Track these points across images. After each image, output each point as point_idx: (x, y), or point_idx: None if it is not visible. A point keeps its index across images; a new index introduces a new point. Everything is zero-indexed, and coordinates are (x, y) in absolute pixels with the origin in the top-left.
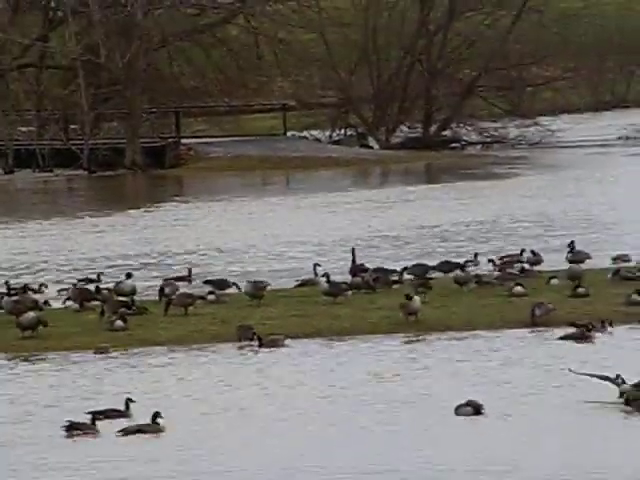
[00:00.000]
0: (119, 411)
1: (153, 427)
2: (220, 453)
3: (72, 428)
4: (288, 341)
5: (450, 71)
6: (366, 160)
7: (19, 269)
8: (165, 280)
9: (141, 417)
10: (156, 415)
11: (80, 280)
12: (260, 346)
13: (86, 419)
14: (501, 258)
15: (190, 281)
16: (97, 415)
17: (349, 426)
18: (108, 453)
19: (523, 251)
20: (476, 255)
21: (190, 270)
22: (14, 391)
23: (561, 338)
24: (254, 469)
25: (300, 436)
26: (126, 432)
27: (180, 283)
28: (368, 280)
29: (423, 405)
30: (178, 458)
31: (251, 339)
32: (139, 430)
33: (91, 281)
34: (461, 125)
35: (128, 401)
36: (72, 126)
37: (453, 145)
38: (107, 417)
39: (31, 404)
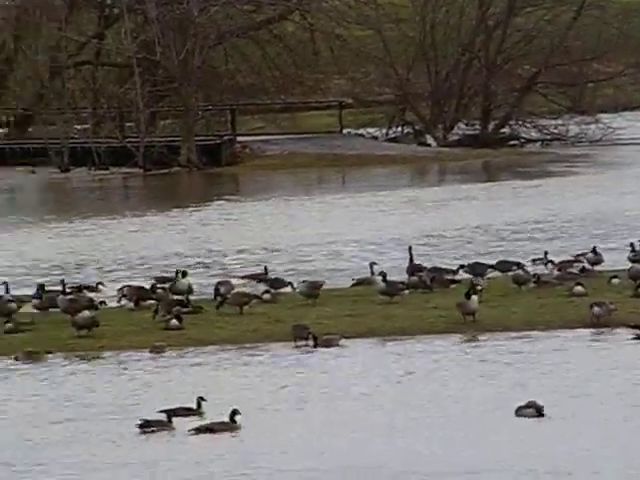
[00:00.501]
0: (191, 409)
1: (229, 425)
2: (290, 451)
3: (146, 425)
4: (343, 341)
5: (509, 67)
6: (423, 158)
7: (75, 267)
8: (244, 277)
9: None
10: (234, 413)
11: (157, 278)
12: (315, 346)
13: (157, 417)
14: (563, 262)
15: (266, 280)
16: (169, 413)
17: (407, 425)
18: (181, 451)
19: (582, 254)
20: (546, 253)
21: (266, 268)
22: (71, 390)
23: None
24: (324, 468)
25: (358, 435)
26: (201, 430)
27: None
28: (425, 279)
29: (481, 406)
30: (250, 456)
31: (306, 338)
32: (211, 429)
33: (165, 280)
34: (520, 122)
35: (200, 399)
36: (128, 124)
37: (512, 143)
38: (178, 415)
39: (92, 403)
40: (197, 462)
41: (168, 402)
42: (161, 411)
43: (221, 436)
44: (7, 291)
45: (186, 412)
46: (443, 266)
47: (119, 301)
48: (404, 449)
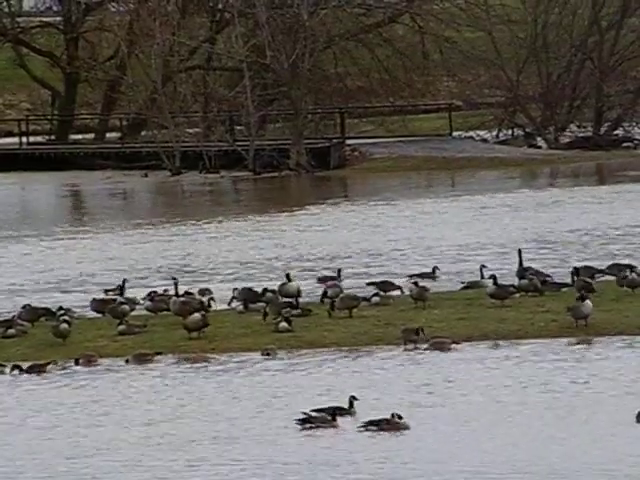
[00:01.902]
0: (343, 409)
1: (398, 424)
2: (458, 450)
3: (307, 421)
4: (454, 344)
5: (623, 68)
6: (534, 160)
7: (188, 271)
8: (411, 277)
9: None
10: (395, 415)
11: (321, 278)
12: (426, 349)
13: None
14: None
15: (338, 282)
16: (332, 411)
17: (524, 429)
18: (345, 449)
19: None
20: None
21: (339, 271)
22: (182, 393)
23: None
24: (495, 470)
25: (480, 438)
26: (368, 427)
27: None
28: (536, 282)
29: (598, 411)
30: (422, 456)
31: (416, 335)
32: (380, 427)
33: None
34: (634, 124)
35: (352, 399)
36: (238, 127)
37: (625, 145)
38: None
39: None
40: (374, 459)
41: (306, 402)
42: (318, 410)
43: (391, 434)
44: (122, 293)
45: (339, 411)
46: (553, 270)
47: (229, 304)
48: (565, 452)
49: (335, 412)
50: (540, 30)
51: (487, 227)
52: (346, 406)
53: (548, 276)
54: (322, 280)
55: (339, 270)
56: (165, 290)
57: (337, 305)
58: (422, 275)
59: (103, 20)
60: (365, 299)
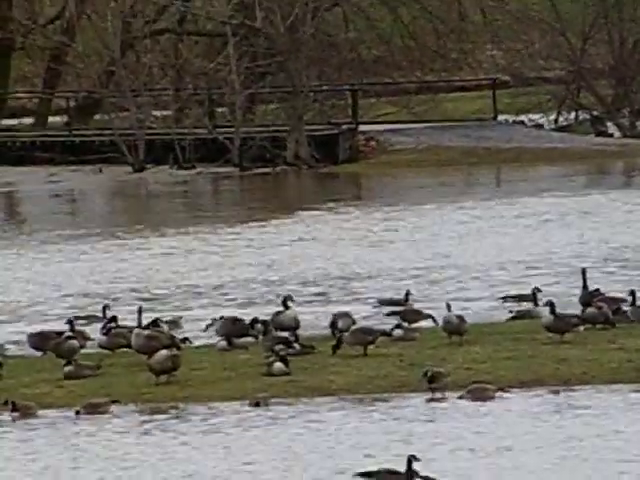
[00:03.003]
0: (398, 473)
1: None
2: None
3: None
4: (499, 392)
5: None
6: (604, 152)
7: (152, 295)
8: (504, 299)
9: None
10: None
11: (382, 301)
12: (461, 397)
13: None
14: None
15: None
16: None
17: None
18: None
19: None
20: None
21: (408, 293)
22: (145, 454)
23: None
24: None
25: None
26: None
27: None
28: (606, 311)
29: None
30: None
31: (432, 389)
32: None
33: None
34: None
35: (411, 459)
36: (219, 109)
37: None
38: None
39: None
40: None
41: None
42: (359, 474)
43: None
44: (72, 327)
45: (394, 476)
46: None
47: (205, 330)
48: None
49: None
50: None
51: (543, 239)
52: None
53: (622, 301)
54: (384, 304)
55: (407, 292)
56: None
57: (347, 340)
58: (520, 298)
59: None
60: (384, 333)
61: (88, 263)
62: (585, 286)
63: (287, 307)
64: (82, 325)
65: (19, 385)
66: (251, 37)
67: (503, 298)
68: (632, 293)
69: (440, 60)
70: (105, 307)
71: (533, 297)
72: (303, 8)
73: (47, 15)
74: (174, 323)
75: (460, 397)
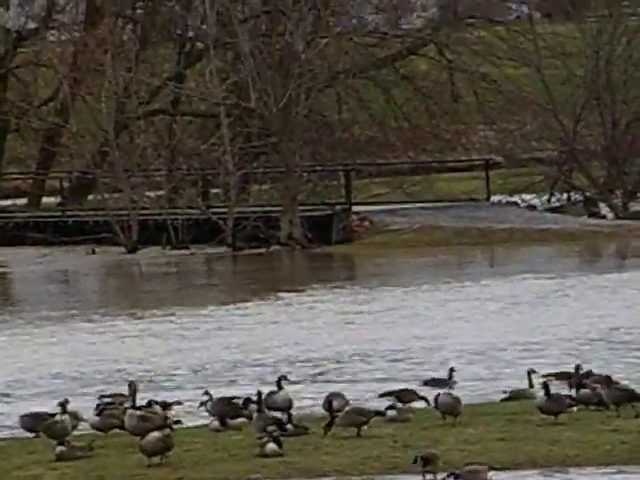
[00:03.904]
0: None
1: None
2: None
3: None
4: (492, 473)
5: None
6: (596, 233)
7: (147, 377)
8: (546, 376)
9: None
10: None
11: (427, 381)
12: (457, 478)
13: None
14: None
15: (451, 385)
16: None
17: None
18: None
19: None
20: None
21: (452, 370)
22: None
23: None
24: None
25: None
26: None
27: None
28: (600, 393)
29: None
30: None
31: (426, 470)
32: None
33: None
34: None
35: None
36: (213, 190)
37: None
38: None
39: None
40: None
41: None
42: None
43: None
44: (64, 408)
45: None
46: (621, 376)
47: (199, 407)
48: None
49: None
50: (603, 66)
51: (537, 320)
52: None
53: (616, 384)
54: (429, 383)
55: (451, 370)
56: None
57: (341, 421)
58: (560, 375)
59: (39, 53)
60: (378, 413)
61: (77, 343)
62: (577, 369)
63: (280, 387)
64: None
65: (11, 467)
66: (245, 118)
67: (544, 376)
68: (576, 367)
69: (433, 141)
70: (131, 384)
71: (576, 372)
72: (297, 89)
73: (41, 96)
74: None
75: (456, 477)
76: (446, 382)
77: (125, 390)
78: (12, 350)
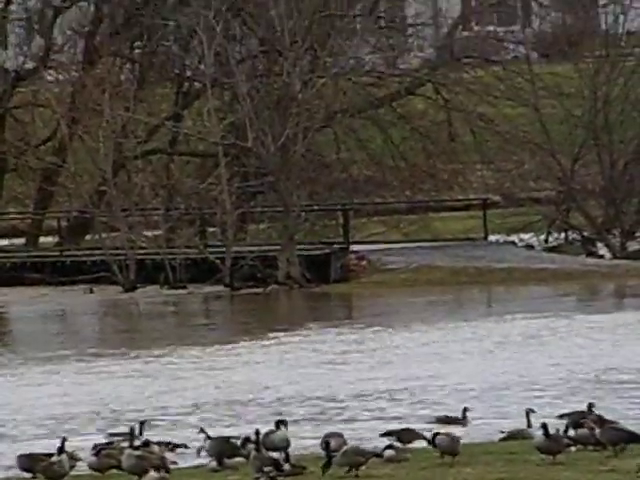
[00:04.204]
0: None
1: None
2: None
3: None
4: None
5: None
6: (594, 273)
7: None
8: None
9: None
10: None
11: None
12: None
13: None
14: None
15: (464, 424)
16: None
17: None
18: None
19: None
20: None
21: (466, 410)
22: None
23: None
24: None
25: None
26: None
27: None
28: (597, 433)
29: None
30: None
31: None
32: None
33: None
34: None
35: None
36: (210, 229)
37: None
38: None
39: None
40: None
41: None
42: None
43: None
44: (62, 449)
45: None
46: (617, 416)
47: (198, 453)
48: None
49: None
50: (601, 106)
51: (534, 360)
52: None
53: (613, 423)
54: (442, 421)
55: (465, 409)
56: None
57: (338, 461)
58: (574, 415)
59: (37, 93)
60: (376, 454)
61: (71, 383)
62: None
63: (278, 427)
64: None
65: None
66: (242, 157)
67: (560, 416)
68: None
69: (431, 180)
70: (143, 423)
71: (589, 411)
72: (294, 128)
73: (39, 136)
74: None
75: None
76: (459, 420)
77: (134, 428)
78: (6, 390)
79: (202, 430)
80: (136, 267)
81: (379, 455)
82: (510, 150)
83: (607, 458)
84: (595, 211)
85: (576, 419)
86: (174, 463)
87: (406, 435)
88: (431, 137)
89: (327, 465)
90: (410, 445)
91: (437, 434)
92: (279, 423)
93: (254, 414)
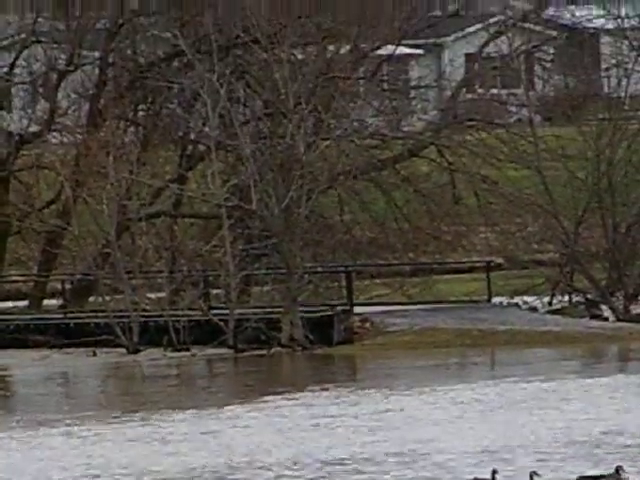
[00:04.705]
0: None
1: None
2: None
3: None
4: None
5: None
6: (598, 336)
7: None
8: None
9: None
10: None
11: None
12: None
13: None
14: None
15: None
16: None
17: None
18: None
19: None
20: None
21: (495, 472)
22: None
23: None
24: None
25: None
26: None
27: None
28: None
29: None
30: None
31: None
32: None
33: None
34: None
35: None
36: (214, 291)
37: None
38: None
39: None
40: None
41: None
42: None
43: None
44: None
45: None
46: None
47: None
48: None
49: None
50: (604, 169)
51: (537, 423)
52: None
53: None
54: None
55: (494, 471)
56: None
57: None
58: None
59: (41, 155)
60: None
61: (68, 448)
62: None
63: None
64: None
65: None
66: (246, 219)
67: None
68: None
69: (434, 242)
70: None
71: (617, 474)
72: (298, 190)
73: (43, 199)
74: None
75: None
76: None
77: None
78: (10, 453)
79: None
80: (139, 329)
81: None
82: (514, 212)
83: None
84: (599, 274)
85: None
86: None
87: None
88: (435, 199)
89: None
90: None
91: None
92: None
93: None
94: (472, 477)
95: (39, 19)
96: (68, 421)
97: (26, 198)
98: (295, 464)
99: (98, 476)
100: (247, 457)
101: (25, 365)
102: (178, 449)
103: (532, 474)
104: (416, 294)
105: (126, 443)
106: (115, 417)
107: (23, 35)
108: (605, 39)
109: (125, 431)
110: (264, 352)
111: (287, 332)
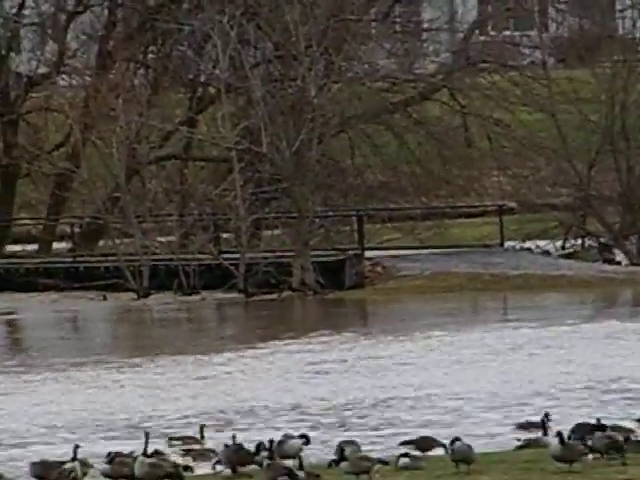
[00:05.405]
0: None
1: None
2: None
3: None
4: None
5: None
6: (611, 280)
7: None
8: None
9: None
10: None
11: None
12: None
13: None
14: None
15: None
16: None
17: None
18: None
19: None
20: None
21: (547, 415)
22: None
23: None
24: None
25: None
26: None
27: None
28: (617, 440)
29: None
30: None
31: None
32: None
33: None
34: None
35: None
36: (224, 235)
37: None
38: None
39: None
40: None
41: None
42: None
43: None
44: (75, 455)
45: None
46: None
47: (213, 467)
48: None
49: None
50: (618, 111)
51: (550, 368)
52: None
53: (631, 431)
54: (524, 427)
55: (546, 415)
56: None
57: (345, 469)
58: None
59: (50, 98)
60: (382, 461)
61: (80, 392)
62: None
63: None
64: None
65: None
66: (256, 163)
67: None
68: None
69: (446, 186)
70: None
71: (542, 425)
72: (309, 134)
73: (52, 142)
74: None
75: None
76: (540, 425)
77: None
78: (17, 397)
79: (234, 437)
80: (149, 273)
81: (385, 462)
82: (526, 156)
83: (625, 467)
84: (612, 217)
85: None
86: (188, 468)
87: (425, 443)
88: (447, 143)
89: (334, 463)
90: (429, 453)
91: (453, 441)
92: (304, 436)
93: (265, 421)
94: (523, 420)
95: None
96: (71, 366)
97: (35, 141)
98: (309, 407)
99: (117, 419)
100: (252, 401)
101: (35, 309)
102: (180, 394)
103: (544, 418)
104: (428, 238)
105: (129, 388)
106: (120, 361)
107: None
108: None
109: (131, 376)
110: (275, 296)
111: (298, 276)
